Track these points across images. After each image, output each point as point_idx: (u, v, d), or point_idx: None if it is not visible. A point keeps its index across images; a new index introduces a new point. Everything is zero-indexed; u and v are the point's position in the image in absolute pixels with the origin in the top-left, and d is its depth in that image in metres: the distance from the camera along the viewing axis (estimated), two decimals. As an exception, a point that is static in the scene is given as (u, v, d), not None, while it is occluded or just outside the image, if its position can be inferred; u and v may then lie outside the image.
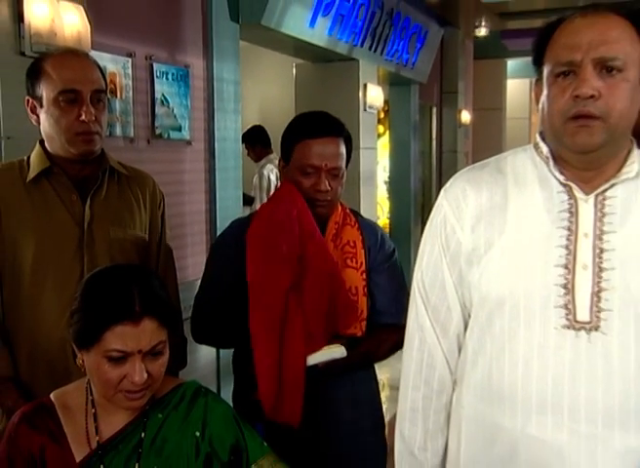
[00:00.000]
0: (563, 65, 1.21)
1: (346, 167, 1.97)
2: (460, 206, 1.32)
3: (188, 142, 3.64)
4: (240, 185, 4.13)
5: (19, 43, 2.43)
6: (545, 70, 1.25)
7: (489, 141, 9.53)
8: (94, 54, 2.73)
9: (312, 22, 4.74)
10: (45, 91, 1.82)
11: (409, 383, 1.38)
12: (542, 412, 1.20)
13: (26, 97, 1.88)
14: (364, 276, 1.93)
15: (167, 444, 1.41)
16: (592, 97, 1.17)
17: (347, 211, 2.03)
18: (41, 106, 1.85)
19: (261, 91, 6.95)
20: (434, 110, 8.54)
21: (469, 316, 1.32)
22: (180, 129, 3.56)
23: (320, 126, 1.92)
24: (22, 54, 2.44)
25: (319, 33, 4.90)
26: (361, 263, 1.94)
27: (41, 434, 1.38)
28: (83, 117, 1.81)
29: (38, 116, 1.87)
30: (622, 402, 1.17)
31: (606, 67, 1.18)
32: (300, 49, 5.14)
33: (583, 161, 1.24)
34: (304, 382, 1.79)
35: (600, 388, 1.17)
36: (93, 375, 1.38)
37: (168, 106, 3.46)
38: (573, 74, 1.20)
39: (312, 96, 5.70)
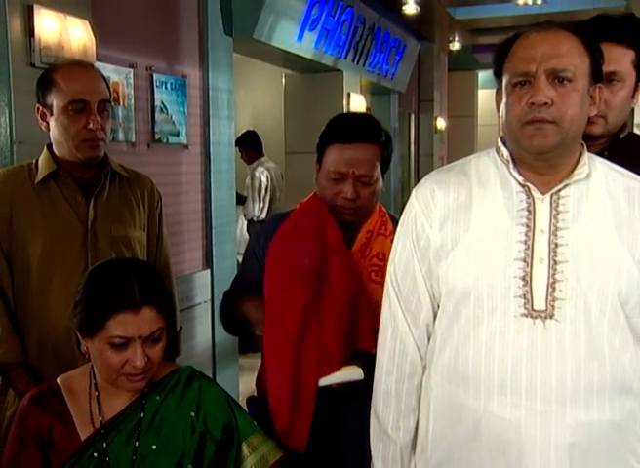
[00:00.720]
0: (519, 76, 1.23)
1: (384, 172, 1.75)
2: (430, 205, 1.33)
3: (186, 146, 3.64)
4: (233, 186, 4.14)
5: (29, 55, 2.43)
6: (504, 80, 1.27)
7: (462, 146, 9.56)
8: (98, 65, 2.73)
9: (300, 36, 4.75)
10: (55, 100, 1.82)
11: (383, 368, 1.38)
12: (503, 393, 1.21)
13: (37, 106, 1.89)
14: None
15: (164, 423, 1.42)
16: (546, 104, 1.20)
17: (386, 218, 1.78)
18: (51, 114, 1.85)
19: (253, 99, 6.95)
20: (412, 117, 8.56)
21: (438, 306, 1.33)
22: (177, 134, 3.56)
23: (352, 130, 1.70)
24: (33, 65, 2.43)
25: (306, 46, 4.91)
26: None
27: (49, 415, 1.39)
28: (90, 125, 1.82)
29: (48, 123, 1.87)
30: (573, 382, 1.19)
31: (557, 78, 1.21)
32: (289, 60, 5.15)
33: (540, 162, 1.26)
34: (313, 407, 1.60)
35: (554, 370, 1.19)
36: (97, 361, 1.39)
37: (167, 113, 3.46)
38: (528, 84, 1.22)
39: (300, 103, 5.71)
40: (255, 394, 1.81)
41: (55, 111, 1.83)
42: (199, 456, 1.42)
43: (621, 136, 1.68)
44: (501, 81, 1.28)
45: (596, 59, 1.26)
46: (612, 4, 6.72)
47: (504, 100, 1.26)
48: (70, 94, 1.81)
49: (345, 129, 1.71)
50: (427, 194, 1.34)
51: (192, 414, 1.44)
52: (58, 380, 1.46)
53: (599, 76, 1.27)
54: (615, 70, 1.58)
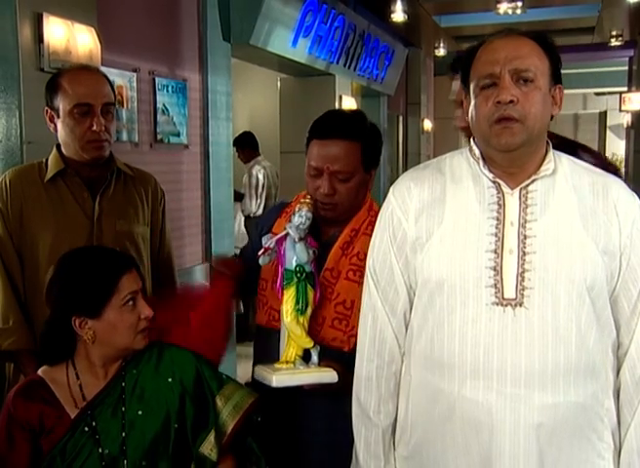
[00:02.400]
0: (486, 78, 1.23)
1: (369, 170, 1.66)
2: (406, 201, 1.33)
3: (186, 146, 3.65)
4: (231, 184, 4.15)
5: (38, 60, 2.43)
6: (472, 85, 1.27)
7: (447, 146, 9.44)
8: (103, 69, 2.71)
9: (294, 42, 4.76)
10: (62, 103, 1.83)
11: (364, 355, 1.37)
12: (475, 377, 1.22)
13: (45, 108, 1.89)
14: None
15: (145, 391, 1.44)
16: (511, 101, 1.21)
17: (375, 219, 1.61)
18: (58, 116, 1.86)
19: (250, 101, 6.94)
20: (400, 119, 8.58)
21: (414, 295, 1.34)
22: (178, 134, 3.56)
23: (330, 126, 1.63)
24: (42, 70, 2.43)
25: (300, 52, 4.92)
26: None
27: (36, 403, 1.40)
28: (94, 127, 1.82)
29: (55, 125, 1.88)
30: (541, 366, 1.20)
31: (521, 78, 1.22)
32: (284, 65, 5.16)
33: (508, 159, 1.27)
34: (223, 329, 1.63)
35: (523, 355, 1.20)
36: (112, 332, 1.41)
37: (168, 115, 3.47)
38: (494, 86, 1.23)
39: (294, 106, 5.71)
40: (251, 380, 1.83)
41: (61, 114, 1.84)
42: (182, 416, 1.44)
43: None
44: (469, 87, 1.29)
45: (555, 62, 1.28)
46: (585, 14, 6.76)
47: (472, 103, 1.27)
48: (75, 97, 1.82)
49: (324, 125, 1.65)
50: (404, 191, 1.35)
51: (170, 380, 1.47)
52: (39, 373, 1.46)
53: (558, 77, 1.29)
54: None
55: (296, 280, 1.53)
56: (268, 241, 1.56)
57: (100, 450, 1.38)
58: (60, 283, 1.44)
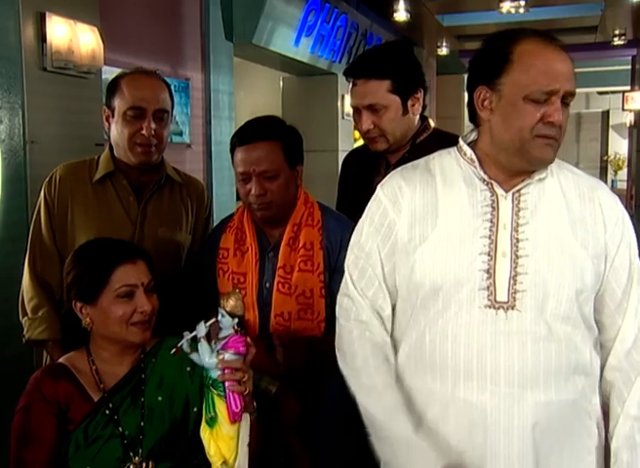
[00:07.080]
0: (544, 93, 1.18)
1: (294, 166, 1.72)
2: (398, 200, 1.31)
3: (189, 145, 3.66)
4: (234, 183, 4.13)
5: (41, 60, 2.45)
6: (515, 88, 1.21)
7: (450, 145, 9.54)
8: (105, 68, 2.75)
9: (297, 42, 4.77)
10: (117, 104, 1.84)
11: (351, 348, 1.33)
12: (469, 378, 1.22)
13: (103, 107, 1.90)
14: (321, 277, 1.68)
15: (165, 378, 1.46)
16: (560, 126, 1.21)
17: (313, 209, 1.76)
18: (113, 117, 1.87)
19: (253, 100, 6.94)
20: (403, 118, 8.55)
21: (397, 294, 1.32)
22: (181, 134, 3.57)
23: (247, 132, 1.71)
24: (44, 69, 2.45)
25: (303, 51, 4.92)
26: (318, 265, 1.68)
27: (64, 383, 1.41)
28: (143, 131, 1.83)
29: (110, 124, 1.90)
30: (533, 366, 1.21)
31: (565, 102, 1.21)
32: (286, 64, 5.17)
33: (530, 168, 1.26)
34: None
35: (516, 356, 1.20)
36: (106, 320, 1.42)
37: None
38: (546, 100, 1.20)
39: (297, 105, 5.72)
40: None
41: (116, 114, 1.86)
42: (201, 400, 1.43)
43: (419, 139, 1.88)
44: (497, 83, 1.23)
45: None
46: (588, 13, 6.75)
47: (508, 107, 1.22)
48: (131, 100, 1.83)
49: (242, 131, 1.72)
50: (395, 189, 1.33)
51: (188, 369, 1.47)
52: (61, 360, 1.48)
53: None
54: (372, 103, 1.75)
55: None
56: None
57: (121, 429, 1.40)
58: (67, 269, 1.48)
